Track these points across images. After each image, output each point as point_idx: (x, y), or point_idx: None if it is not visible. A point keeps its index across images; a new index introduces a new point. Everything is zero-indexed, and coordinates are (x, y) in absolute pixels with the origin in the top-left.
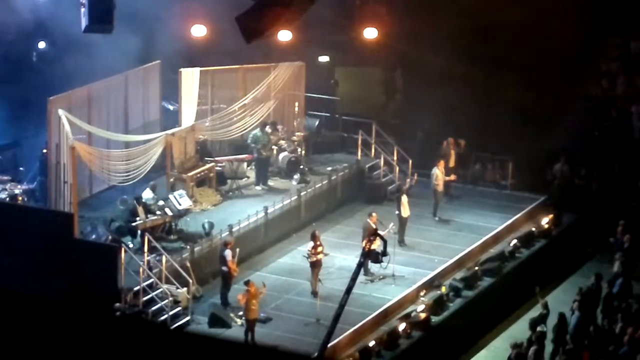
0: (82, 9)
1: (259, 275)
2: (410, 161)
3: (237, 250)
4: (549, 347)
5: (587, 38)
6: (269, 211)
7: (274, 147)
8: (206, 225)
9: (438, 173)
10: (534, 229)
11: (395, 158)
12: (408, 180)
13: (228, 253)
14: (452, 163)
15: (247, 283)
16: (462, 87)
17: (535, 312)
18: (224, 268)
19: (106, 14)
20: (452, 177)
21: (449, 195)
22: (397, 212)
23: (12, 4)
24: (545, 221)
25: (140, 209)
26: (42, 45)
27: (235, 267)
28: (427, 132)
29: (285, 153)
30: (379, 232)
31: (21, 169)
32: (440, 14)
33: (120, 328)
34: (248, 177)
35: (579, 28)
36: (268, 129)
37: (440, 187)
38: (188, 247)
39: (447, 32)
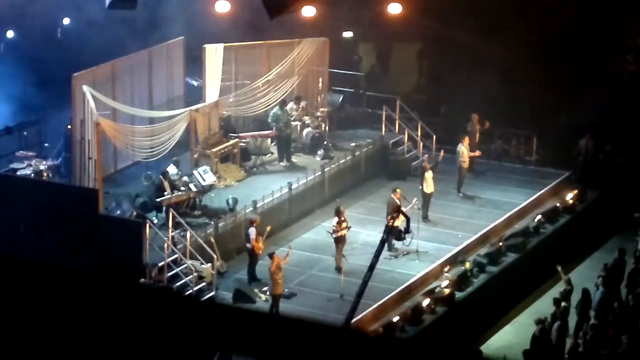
0: None
1: (283, 252)
2: (435, 137)
3: (268, 228)
4: (572, 322)
5: (613, 12)
6: (293, 187)
7: (297, 122)
8: (230, 201)
9: (463, 149)
10: (558, 204)
11: (419, 134)
12: (435, 156)
13: (252, 231)
14: (476, 139)
15: (271, 256)
16: (487, 63)
17: (559, 288)
18: (248, 245)
19: None
20: (477, 153)
21: (473, 171)
22: (420, 187)
23: None
24: (569, 197)
25: (166, 184)
26: (66, 21)
27: (259, 245)
28: (451, 108)
29: (309, 129)
30: (402, 208)
31: (46, 145)
32: None
33: (148, 298)
34: (272, 153)
35: (605, 2)
36: (293, 104)
37: (466, 164)
38: (212, 222)
39: (472, 7)
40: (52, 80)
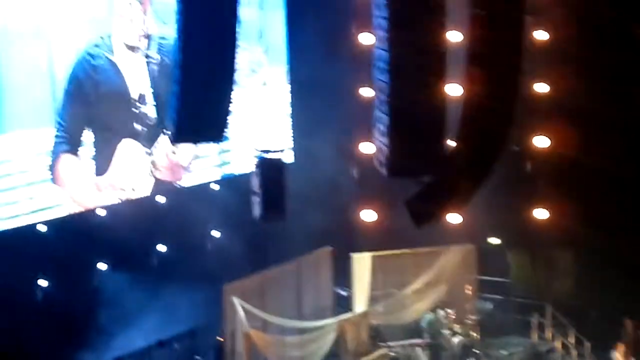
0: (256, 198)
1: None
2: (588, 344)
3: None
4: None
5: None
6: None
7: (447, 331)
8: None
9: (619, 357)
10: None
11: (572, 341)
12: None
13: None
14: (631, 346)
15: None
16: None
17: None
18: None
19: (279, 202)
20: None
21: None
22: None
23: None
24: None
25: None
26: (216, 234)
27: None
28: (603, 312)
29: (459, 337)
30: None
31: (198, 358)
32: None
33: None
34: None
35: None
36: (442, 312)
37: None
38: None
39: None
40: (200, 290)
